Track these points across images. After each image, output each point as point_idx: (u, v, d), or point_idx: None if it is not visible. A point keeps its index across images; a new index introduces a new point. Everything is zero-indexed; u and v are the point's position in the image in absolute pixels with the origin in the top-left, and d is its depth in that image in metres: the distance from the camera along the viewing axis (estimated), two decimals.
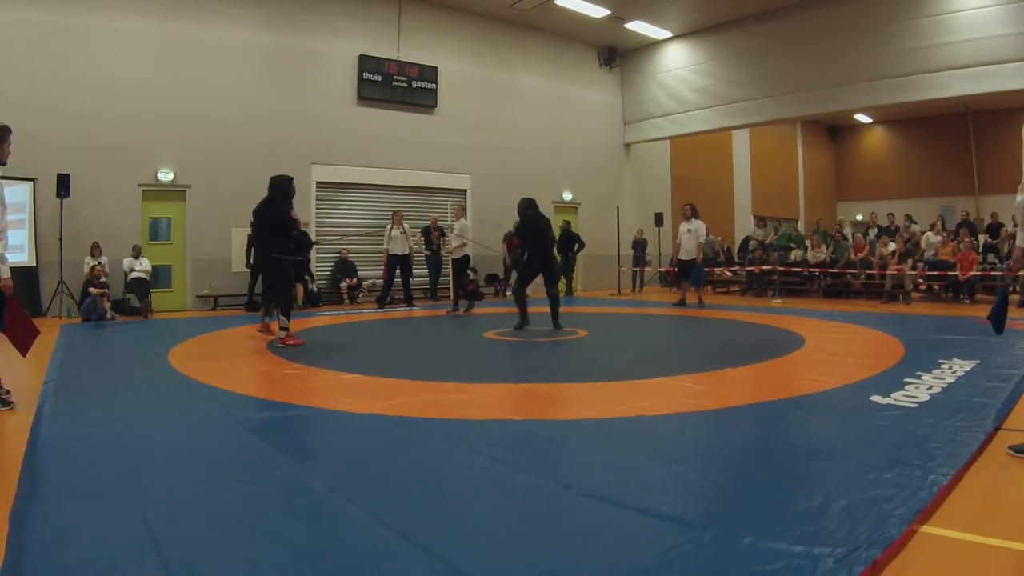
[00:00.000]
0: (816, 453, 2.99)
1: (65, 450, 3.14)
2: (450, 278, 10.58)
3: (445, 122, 14.03)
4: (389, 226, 11.22)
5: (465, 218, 10.85)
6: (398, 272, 11.39)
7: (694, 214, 11.12)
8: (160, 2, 10.91)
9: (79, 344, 7.22)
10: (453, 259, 10.35)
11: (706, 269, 15.39)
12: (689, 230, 10.98)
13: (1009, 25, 10.83)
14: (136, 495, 2.50)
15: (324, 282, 12.28)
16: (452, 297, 10.51)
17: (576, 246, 14.16)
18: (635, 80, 17.21)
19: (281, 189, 6.76)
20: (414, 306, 11.35)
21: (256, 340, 7.26)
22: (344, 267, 12.52)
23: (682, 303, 11.19)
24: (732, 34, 14.97)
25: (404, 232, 11.14)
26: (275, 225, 6.65)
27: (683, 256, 11.08)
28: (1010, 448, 2.98)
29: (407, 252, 11.22)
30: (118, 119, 10.46)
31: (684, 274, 11.33)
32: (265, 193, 6.88)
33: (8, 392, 4.18)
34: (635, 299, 13.96)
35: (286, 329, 6.72)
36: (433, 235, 13.08)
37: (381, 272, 11.78)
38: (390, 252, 11.09)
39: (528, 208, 7.82)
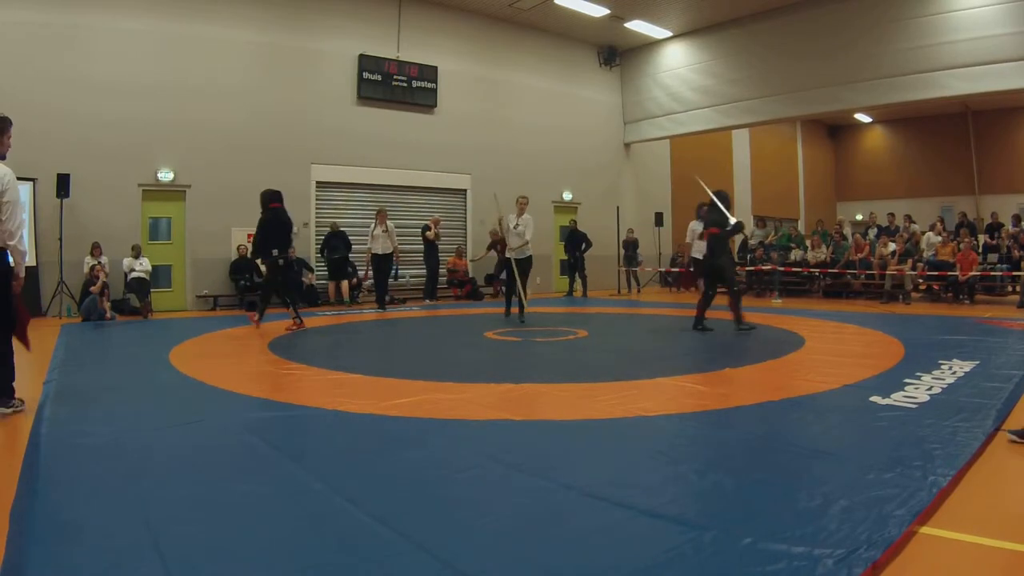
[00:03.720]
0: (816, 453, 2.99)
1: (66, 449, 3.14)
2: (515, 279, 9.09)
3: (445, 122, 14.02)
4: (373, 225, 10.96)
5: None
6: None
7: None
8: (160, 2, 10.90)
9: (79, 344, 7.22)
10: (515, 259, 9.00)
11: None
12: None
13: (1009, 24, 10.83)
14: (136, 495, 2.50)
15: (323, 282, 12.28)
16: (521, 300, 8.93)
17: (583, 245, 14.12)
18: (635, 79, 17.21)
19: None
20: (386, 308, 11.03)
21: (256, 339, 7.26)
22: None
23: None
24: (732, 33, 14.97)
25: (388, 231, 10.87)
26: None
27: (699, 255, 10.80)
28: (1010, 432, 2.99)
29: (389, 251, 10.93)
30: (118, 119, 10.46)
31: (700, 274, 11.12)
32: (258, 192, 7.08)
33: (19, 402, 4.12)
34: (634, 299, 13.95)
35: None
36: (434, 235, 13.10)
37: (369, 273, 11.48)
38: (372, 251, 10.86)
39: (724, 200, 7.65)
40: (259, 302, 8.22)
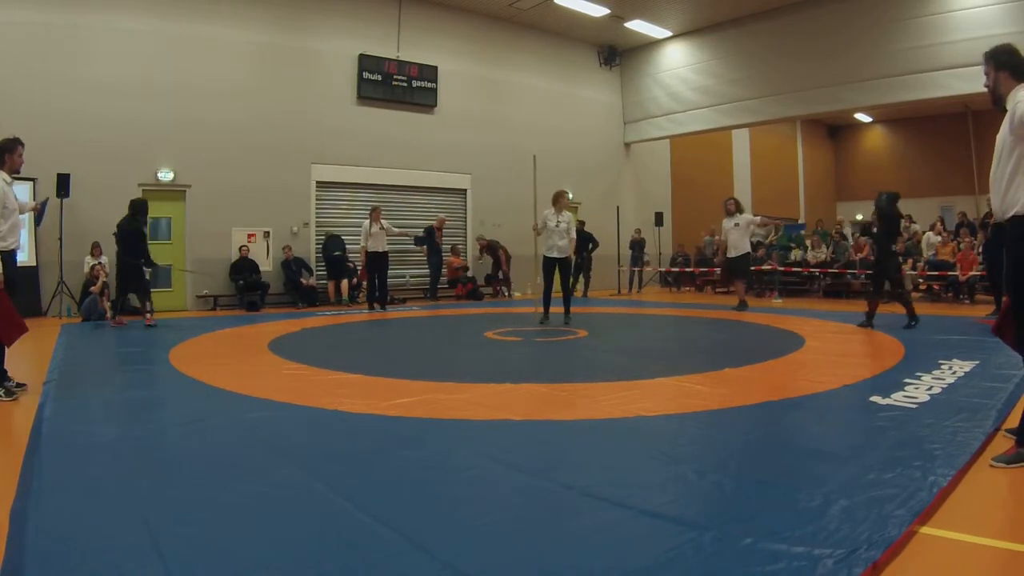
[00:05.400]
0: (816, 453, 2.99)
1: (66, 449, 3.14)
2: (549, 281, 8.53)
3: (445, 122, 14.02)
4: (367, 223, 10.83)
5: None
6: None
7: (738, 208, 10.54)
8: (160, 2, 10.90)
9: (79, 344, 7.22)
10: (555, 257, 8.33)
11: (707, 269, 15.43)
12: (736, 224, 10.34)
13: (1009, 24, 10.82)
14: (136, 495, 2.50)
15: (323, 282, 12.28)
16: (544, 306, 8.50)
17: (591, 245, 14.12)
18: (635, 79, 17.21)
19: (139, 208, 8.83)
20: (387, 308, 11.01)
21: (256, 339, 7.26)
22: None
23: (743, 306, 10.34)
24: (732, 33, 14.97)
25: (383, 228, 10.79)
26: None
27: (733, 253, 10.37)
28: (994, 459, 2.86)
29: (385, 250, 10.86)
30: (118, 119, 10.45)
31: (734, 273, 10.69)
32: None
33: (17, 385, 4.42)
34: (635, 299, 13.96)
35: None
36: (438, 236, 13.11)
37: (367, 272, 11.23)
38: (368, 250, 10.71)
39: (882, 200, 7.56)
40: (118, 304, 9.06)
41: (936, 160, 21.28)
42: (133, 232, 8.70)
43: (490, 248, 13.99)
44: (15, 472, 2.81)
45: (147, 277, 9.02)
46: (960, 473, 2.67)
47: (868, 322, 7.66)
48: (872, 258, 12.30)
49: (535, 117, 15.42)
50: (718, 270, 12.89)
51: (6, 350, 4.37)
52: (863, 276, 12.55)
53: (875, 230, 7.82)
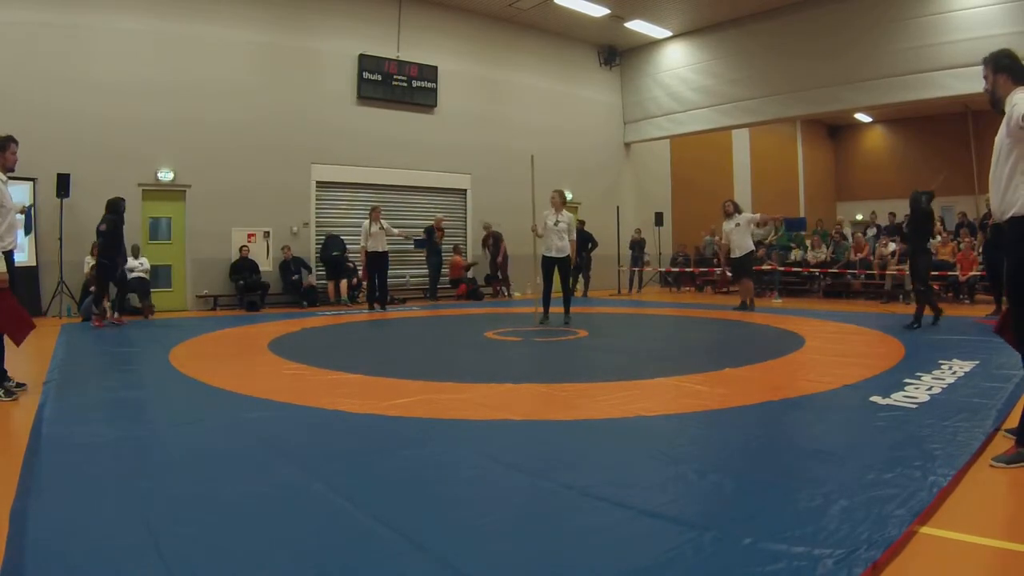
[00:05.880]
0: (816, 454, 2.99)
1: (66, 450, 3.14)
2: (548, 281, 8.62)
3: (445, 122, 14.02)
4: (367, 223, 10.82)
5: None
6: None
7: (736, 209, 10.52)
8: (160, 2, 10.90)
9: (79, 344, 7.21)
10: (554, 257, 8.38)
11: (707, 269, 15.43)
12: (737, 224, 10.31)
13: (1009, 24, 10.82)
14: (136, 495, 2.50)
15: (323, 282, 12.28)
16: (544, 306, 8.59)
17: (590, 245, 14.13)
18: (635, 79, 17.21)
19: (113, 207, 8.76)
20: (387, 308, 11.04)
21: (256, 339, 7.26)
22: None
23: (745, 306, 10.31)
24: (732, 33, 14.96)
25: (382, 228, 10.79)
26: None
27: (737, 253, 10.35)
28: (994, 459, 2.85)
29: (385, 249, 10.85)
30: (118, 119, 10.45)
31: (741, 273, 10.60)
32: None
33: (17, 385, 4.46)
34: (635, 299, 13.96)
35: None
36: (437, 235, 13.12)
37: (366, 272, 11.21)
38: (368, 250, 10.69)
39: (922, 199, 7.58)
40: (101, 302, 8.93)
41: (936, 160, 21.22)
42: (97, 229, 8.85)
43: (493, 237, 13.96)
44: (15, 472, 2.81)
45: (115, 275, 8.94)
46: (960, 473, 2.66)
47: (935, 320, 7.73)
48: (871, 257, 12.38)
49: (535, 117, 15.42)
50: (718, 270, 12.87)
51: (5, 350, 4.38)
52: (863, 276, 12.58)
53: (906, 228, 7.87)
